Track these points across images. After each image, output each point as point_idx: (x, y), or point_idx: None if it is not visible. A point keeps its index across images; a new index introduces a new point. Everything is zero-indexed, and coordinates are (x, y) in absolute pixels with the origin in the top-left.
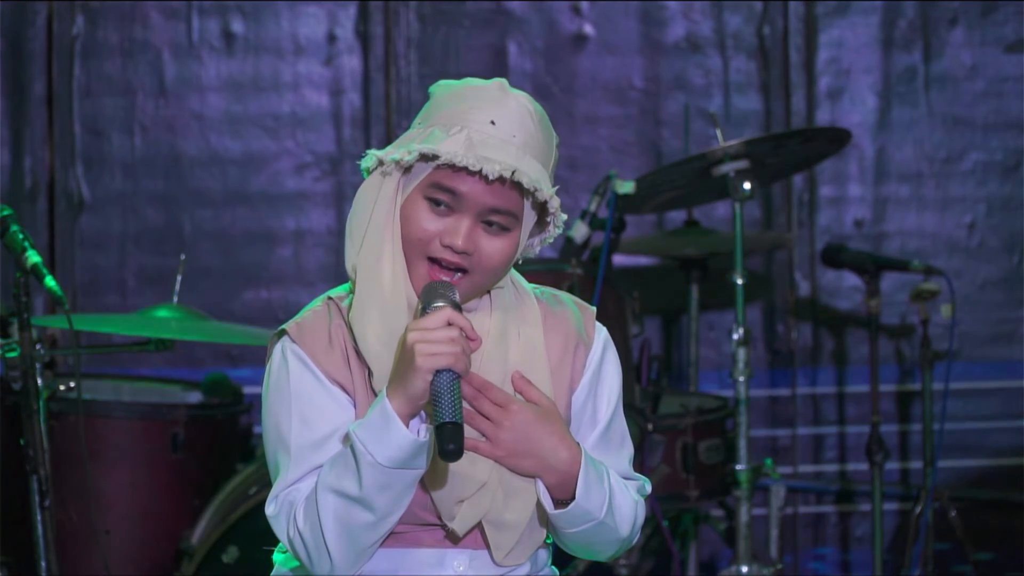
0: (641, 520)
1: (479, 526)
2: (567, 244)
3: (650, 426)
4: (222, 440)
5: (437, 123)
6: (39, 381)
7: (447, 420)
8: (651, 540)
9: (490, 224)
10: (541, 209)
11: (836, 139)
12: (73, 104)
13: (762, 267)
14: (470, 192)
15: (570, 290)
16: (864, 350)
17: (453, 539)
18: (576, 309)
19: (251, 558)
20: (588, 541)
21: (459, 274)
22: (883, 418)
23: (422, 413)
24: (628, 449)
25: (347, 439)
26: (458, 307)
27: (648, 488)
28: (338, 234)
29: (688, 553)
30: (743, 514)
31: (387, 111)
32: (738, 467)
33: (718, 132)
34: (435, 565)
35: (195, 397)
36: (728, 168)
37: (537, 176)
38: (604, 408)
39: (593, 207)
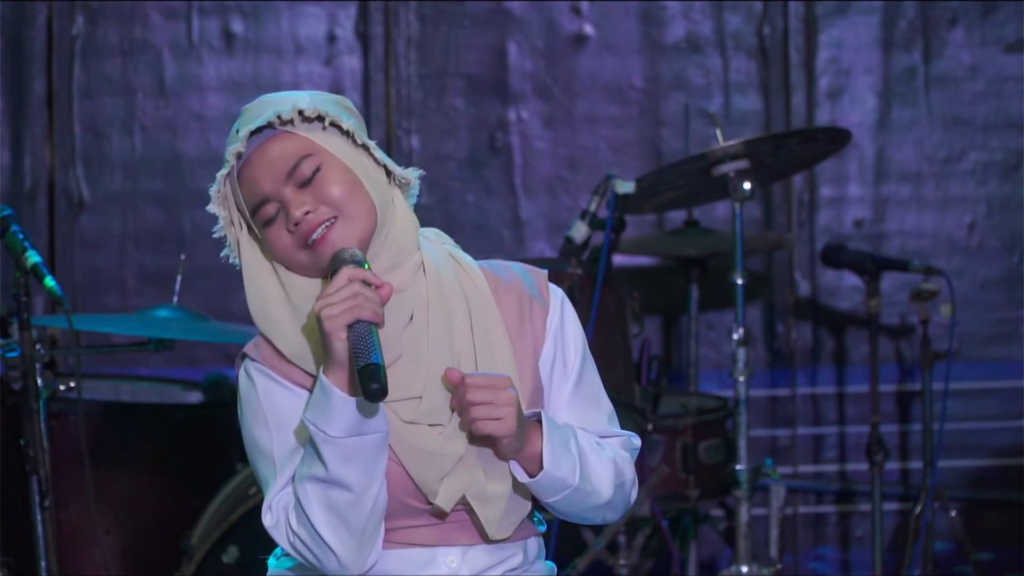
0: (630, 476)
1: (466, 507)
2: (567, 244)
3: (650, 426)
4: (222, 440)
5: (226, 186)
6: (39, 381)
7: (364, 363)
8: (651, 540)
9: (307, 181)
10: (341, 132)
11: (836, 139)
12: (73, 104)
13: (762, 267)
14: (266, 184)
15: (570, 290)
16: (864, 350)
17: (440, 516)
18: (526, 273)
19: (251, 558)
20: (572, 509)
21: (327, 225)
22: (883, 418)
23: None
24: (605, 407)
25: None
26: (357, 262)
27: (636, 441)
28: None
29: (688, 553)
30: (743, 514)
31: (387, 111)
32: (738, 467)
33: (718, 132)
34: (427, 564)
35: (195, 397)
36: (728, 168)
37: (273, 111)
38: (572, 364)
39: (593, 207)
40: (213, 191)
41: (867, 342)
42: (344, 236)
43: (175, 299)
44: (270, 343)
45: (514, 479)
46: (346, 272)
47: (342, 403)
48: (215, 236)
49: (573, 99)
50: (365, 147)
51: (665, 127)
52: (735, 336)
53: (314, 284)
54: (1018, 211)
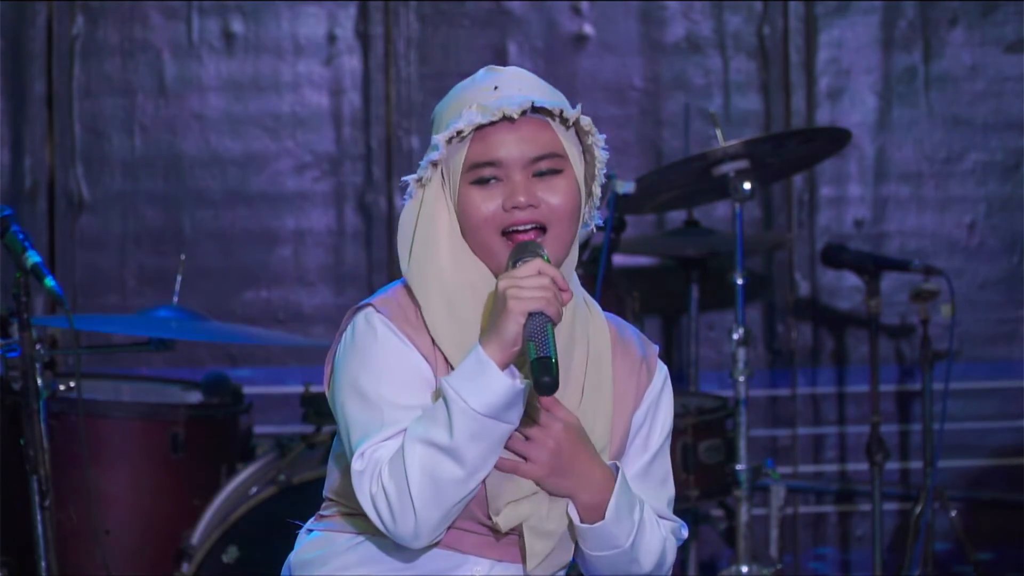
0: (670, 560)
1: (519, 535)
2: None
3: None
4: (222, 440)
5: (448, 119)
6: (39, 381)
7: (542, 355)
8: None
9: (541, 174)
10: (582, 143)
11: (836, 139)
12: (73, 104)
13: (762, 267)
14: (507, 154)
15: None
16: (864, 350)
17: (494, 533)
18: (641, 341)
19: (251, 558)
20: (609, 571)
21: (537, 230)
22: (883, 418)
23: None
24: (669, 490)
25: (437, 394)
26: (544, 260)
27: (684, 532)
28: (338, 234)
29: (688, 553)
30: (743, 514)
31: (387, 111)
32: (738, 467)
33: (718, 132)
34: (455, 567)
35: (195, 397)
36: (728, 168)
37: (557, 101)
38: (655, 441)
39: None
40: (457, 125)
41: (867, 342)
42: (547, 245)
43: (175, 299)
44: (414, 304)
45: (570, 522)
46: (539, 264)
47: (498, 381)
48: (421, 164)
49: (573, 99)
50: (587, 181)
51: (665, 127)
52: (735, 336)
53: (484, 278)
54: (1018, 211)
